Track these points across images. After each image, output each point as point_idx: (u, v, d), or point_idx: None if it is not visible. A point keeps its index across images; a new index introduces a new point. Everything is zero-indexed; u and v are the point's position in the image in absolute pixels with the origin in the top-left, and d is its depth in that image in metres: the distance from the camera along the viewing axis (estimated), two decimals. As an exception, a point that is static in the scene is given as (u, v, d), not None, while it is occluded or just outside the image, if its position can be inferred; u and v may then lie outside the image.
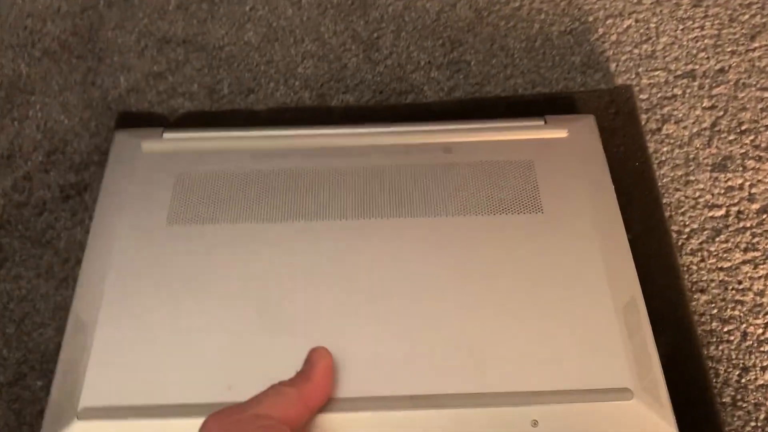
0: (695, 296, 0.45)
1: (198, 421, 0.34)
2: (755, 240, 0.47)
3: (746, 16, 0.55)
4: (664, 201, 0.48)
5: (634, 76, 0.53)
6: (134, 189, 0.45)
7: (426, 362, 0.38)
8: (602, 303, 0.40)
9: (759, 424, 0.42)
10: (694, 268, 0.46)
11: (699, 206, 0.48)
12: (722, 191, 0.48)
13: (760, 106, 0.51)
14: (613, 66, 0.53)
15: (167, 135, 0.47)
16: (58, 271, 0.47)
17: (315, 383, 0.36)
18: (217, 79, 0.54)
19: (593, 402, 0.37)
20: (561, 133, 0.46)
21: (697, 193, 0.48)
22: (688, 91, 0.52)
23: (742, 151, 0.50)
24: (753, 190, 0.48)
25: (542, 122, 0.47)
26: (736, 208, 0.48)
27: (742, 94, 0.52)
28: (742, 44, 0.54)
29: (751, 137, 0.50)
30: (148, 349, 0.39)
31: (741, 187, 0.48)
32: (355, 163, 0.46)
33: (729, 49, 0.54)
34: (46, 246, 0.48)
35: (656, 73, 0.53)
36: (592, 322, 0.39)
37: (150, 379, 0.38)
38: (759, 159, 0.49)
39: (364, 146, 0.46)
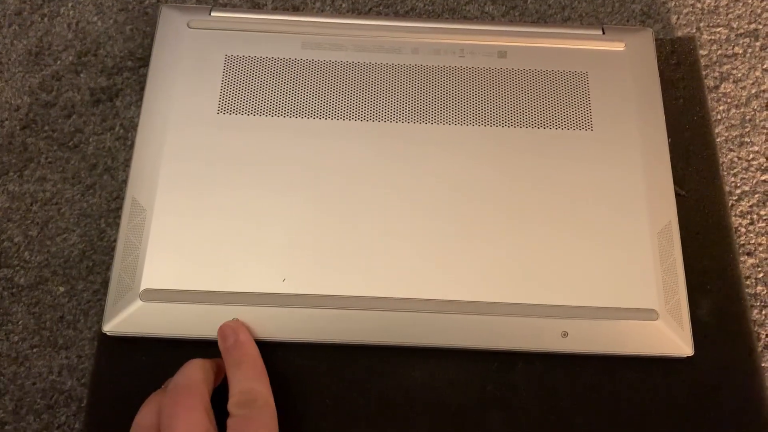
0: (742, 258, 0.44)
1: (254, 310, 0.38)
2: (807, 207, 0.45)
3: (814, -20, 0.53)
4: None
5: (694, 31, 0.51)
6: (183, 68, 0.44)
7: (463, 269, 0.39)
8: (639, 226, 0.40)
9: (797, 391, 0.41)
10: (743, 230, 0.45)
11: (752, 169, 0.47)
12: (777, 156, 0.47)
13: (821, 72, 0.50)
14: (674, 18, 0.51)
15: (215, 14, 0.45)
16: (85, 177, 0.45)
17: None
18: (261, -6, 0.51)
19: (620, 320, 0.39)
20: (618, 46, 0.45)
21: (751, 156, 0.47)
22: (749, 50, 0.50)
23: (801, 116, 0.48)
24: (808, 157, 0.47)
25: (600, 32, 0.46)
26: (789, 174, 0.46)
27: (805, 59, 0.50)
28: (808, 8, 0.52)
29: (811, 103, 0.48)
30: (203, 236, 0.39)
31: (796, 153, 0.47)
32: (407, 60, 0.44)
33: (794, 12, 0.52)
34: (73, 150, 0.45)
35: (718, 29, 0.51)
36: (627, 243, 0.40)
37: (206, 265, 0.39)
38: (817, 126, 0.48)
39: (418, 43, 0.45)
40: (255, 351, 0.37)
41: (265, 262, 0.39)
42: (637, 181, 0.41)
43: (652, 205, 0.41)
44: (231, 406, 0.34)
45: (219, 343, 0.37)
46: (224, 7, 0.50)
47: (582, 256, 0.40)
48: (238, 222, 0.40)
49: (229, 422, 0.33)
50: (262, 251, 0.39)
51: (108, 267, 0.42)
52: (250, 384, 0.35)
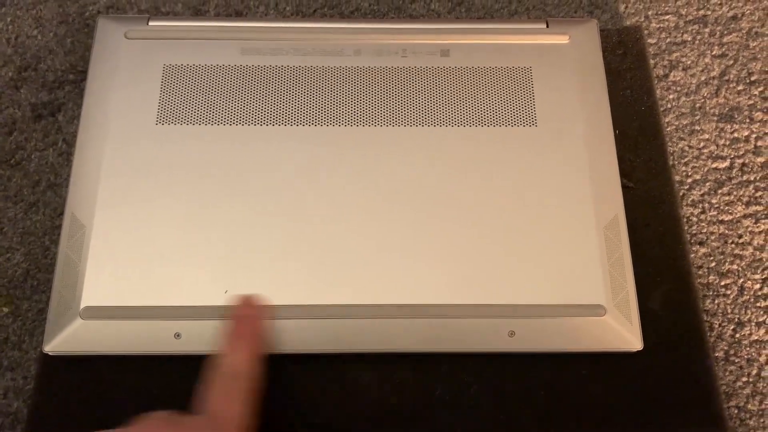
0: (694, 248, 0.44)
1: (196, 323, 0.38)
2: (758, 194, 0.45)
3: (763, -37, 0.53)
4: (668, 149, 0.46)
5: (643, 19, 0.50)
6: (120, 79, 0.43)
7: (408, 272, 0.39)
8: (585, 221, 0.40)
9: (750, 380, 0.41)
10: (695, 219, 0.45)
11: (703, 157, 0.46)
12: (727, 143, 0.47)
13: (771, 56, 0.49)
14: (621, 7, 0.51)
15: (153, 23, 0.45)
16: (28, 195, 0.44)
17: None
18: (203, 0, 0.50)
19: (568, 317, 0.38)
20: (562, 39, 0.45)
21: (702, 144, 0.47)
22: (698, 37, 0.50)
23: (751, 102, 0.48)
24: (759, 143, 0.47)
25: (544, 25, 0.45)
26: (740, 161, 0.46)
27: (754, 44, 0.49)
28: (757, -9, 0.51)
29: (761, 88, 0.48)
30: (144, 250, 0.39)
31: (747, 140, 0.47)
32: (349, 62, 0.44)
33: (743, -4, 0.51)
34: (15, 167, 0.45)
35: (666, 17, 0.50)
36: (573, 239, 0.40)
37: (147, 280, 0.38)
38: (767, 111, 0.47)
39: (360, 44, 0.44)
40: (259, 330, 0.37)
41: (207, 274, 0.38)
42: (582, 175, 0.41)
43: (598, 199, 0.41)
44: (217, 373, 0.34)
45: (232, 310, 0.37)
46: (165, 15, 0.49)
47: (528, 253, 0.39)
48: (178, 234, 0.39)
49: (211, 388, 0.34)
50: (203, 263, 0.39)
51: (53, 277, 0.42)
52: (243, 357, 0.35)
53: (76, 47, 0.48)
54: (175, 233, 0.39)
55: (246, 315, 0.37)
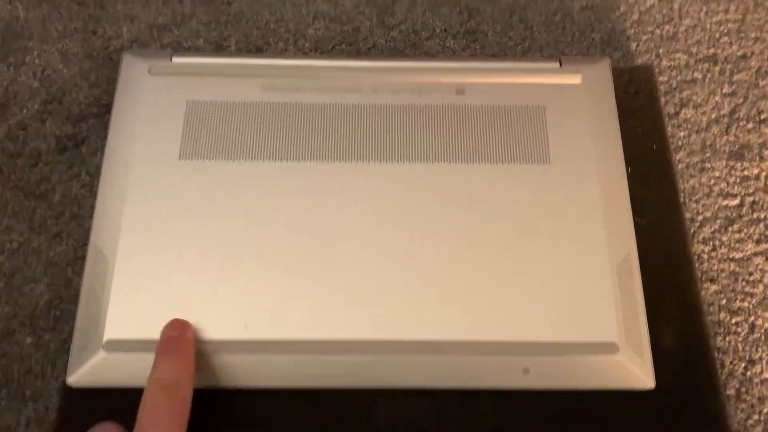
0: (705, 285, 0.44)
1: (216, 357, 0.38)
2: (768, 232, 0.46)
3: (772, 2, 0.54)
4: (679, 187, 0.47)
5: (654, 57, 0.51)
6: (144, 115, 0.44)
7: (421, 308, 0.39)
8: (598, 259, 0.41)
9: (762, 418, 0.41)
10: (705, 257, 0.45)
11: (713, 194, 0.47)
12: (738, 180, 0.47)
13: (780, 95, 0.50)
14: (633, 45, 0.52)
15: (176, 59, 0.46)
16: (52, 225, 0.45)
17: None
18: (225, 36, 0.51)
19: (581, 354, 0.39)
20: (575, 78, 0.46)
21: (712, 181, 0.47)
22: (709, 75, 0.51)
23: (761, 140, 0.48)
24: (769, 181, 0.47)
25: (557, 64, 0.46)
26: (751, 198, 0.47)
27: (764, 82, 0.50)
28: (766, 31, 0.52)
29: (770, 127, 0.49)
30: (166, 283, 0.39)
31: (757, 177, 0.47)
32: (367, 100, 0.45)
33: (753, 35, 0.52)
34: (40, 198, 0.46)
35: (677, 55, 0.51)
36: (586, 276, 0.40)
37: (169, 313, 0.39)
38: (777, 149, 0.48)
39: (377, 82, 0.45)
40: (192, 350, 0.37)
41: (228, 309, 0.39)
42: (595, 213, 0.42)
43: (611, 237, 0.41)
44: (148, 389, 0.34)
45: (162, 331, 0.38)
46: (187, 50, 0.51)
47: (541, 291, 0.40)
48: (200, 268, 0.40)
49: (142, 405, 0.34)
50: (224, 297, 0.40)
51: (75, 316, 0.43)
52: (175, 373, 0.36)
53: (100, 81, 0.50)
54: (197, 267, 0.40)
55: (173, 335, 0.38)
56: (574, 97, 0.45)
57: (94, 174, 0.47)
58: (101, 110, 0.49)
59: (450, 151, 0.43)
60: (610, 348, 0.39)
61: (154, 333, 0.38)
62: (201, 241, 0.41)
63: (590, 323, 0.39)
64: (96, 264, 0.40)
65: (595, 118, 0.45)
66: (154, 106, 0.44)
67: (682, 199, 0.46)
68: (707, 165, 0.48)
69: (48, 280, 0.44)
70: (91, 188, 0.46)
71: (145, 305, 0.39)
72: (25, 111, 0.48)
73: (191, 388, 0.36)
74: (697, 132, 0.49)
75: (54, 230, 0.45)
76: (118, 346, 0.38)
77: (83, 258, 0.44)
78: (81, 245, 0.45)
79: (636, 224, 0.42)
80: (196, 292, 0.40)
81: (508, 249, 0.41)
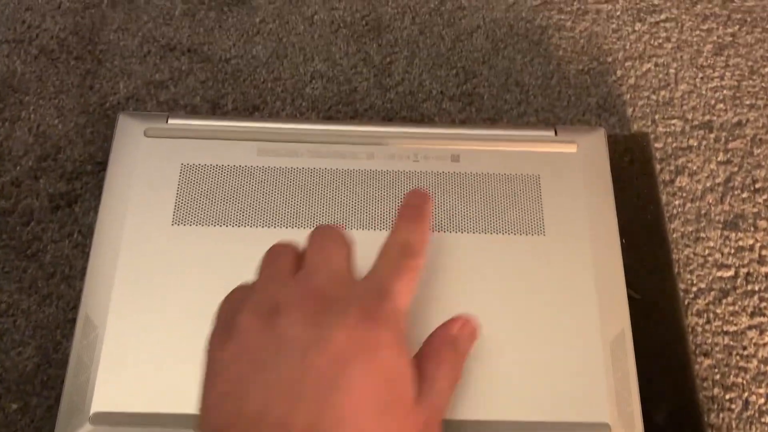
0: (699, 360, 0.44)
1: None
2: (762, 305, 0.46)
3: (767, 69, 0.54)
4: (673, 257, 0.47)
5: (650, 123, 0.51)
6: (138, 178, 0.44)
7: None
8: (591, 335, 0.40)
9: (755, 499, 0.41)
10: (699, 329, 0.45)
11: (708, 265, 0.47)
12: (732, 251, 0.47)
13: (775, 164, 0.50)
14: (629, 111, 0.52)
15: (173, 121, 0.46)
16: (42, 287, 0.45)
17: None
18: (222, 93, 0.51)
19: None
20: (570, 148, 0.46)
21: (707, 251, 0.47)
22: (704, 143, 0.51)
23: (755, 210, 0.48)
24: (764, 252, 0.47)
25: (552, 133, 0.46)
26: (745, 270, 0.47)
27: (758, 151, 0.51)
28: (761, 98, 0.53)
29: (765, 196, 0.49)
30: (158, 355, 0.39)
31: (752, 248, 0.47)
32: (363, 165, 0.45)
33: (748, 103, 0.52)
34: (30, 258, 0.46)
35: (673, 121, 0.52)
36: (579, 354, 0.40)
37: (161, 385, 0.38)
38: (771, 220, 0.48)
39: (373, 148, 0.45)
40: (429, 222, 0.37)
41: None
42: (588, 287, 0.42)
43: (604, 313, 0.41)
44: (389, 245, 0.34)
45: (407, 196, 0.37)
46: (185, 108, 0.51)
47: (532, 368, 0.39)
48: (192, 339, 0.39)
49: (380, 260, 0.33)
50: None
51: (63, 381, 0.42)
52: (412, 239, 0.34)
53: (95, 137, 0.50)
54: (190, 338, 0.39)
55: (421, 203, 0.37)
56: (569, 166, 0.45)
57: (87, 234, 0.46)
58: (96, 168, 0.49)
59: (443, 220, 0.43)
60: (602, 429, 0.38)
61: (143, 406, 0.38)
62: (194, 312, 0.40)
63: (583, 403, 0.39)
64: (85, 332, 0.40)
65: (590, 188, 0.45)
66: (148, 169, 0.44)
67: (676, 270, 0.46)
68: (702, 235, 0.48)
69: (36, 343, 0.43)
70: (83, 249, 0.46)
71: (134, 377, 0.39)
72: (18, 167, 0.48)
73: (424, 256, 0.34)
74: (692, 201, 0.49)
75: (44, 291, 0.45)
76: (105, 419, 0.38)
77: (73, 320, 0.44)
78: (71, 308, 0.44)
79: (630, 298, 0.42)
80: (188, 363, 0.39)
81: (499, 323, 0.40)
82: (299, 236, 0.42)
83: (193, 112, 0.51)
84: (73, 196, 0.48)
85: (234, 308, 0.32)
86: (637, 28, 0.55)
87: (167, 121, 0.46)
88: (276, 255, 0.35)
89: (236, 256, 0.42)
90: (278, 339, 0.29)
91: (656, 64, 0.54)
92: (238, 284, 0.35)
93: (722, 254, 0.47)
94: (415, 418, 0.30)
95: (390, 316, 0.31)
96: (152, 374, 0.39)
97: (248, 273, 0.41)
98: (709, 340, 0.45)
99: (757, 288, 0.46)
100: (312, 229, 0.38)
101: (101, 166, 0.48)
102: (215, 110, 0.51)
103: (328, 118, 0.51)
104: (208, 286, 0.41)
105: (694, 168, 0.50)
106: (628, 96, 0.52)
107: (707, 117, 0.52)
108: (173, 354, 0.39)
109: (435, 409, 0.32)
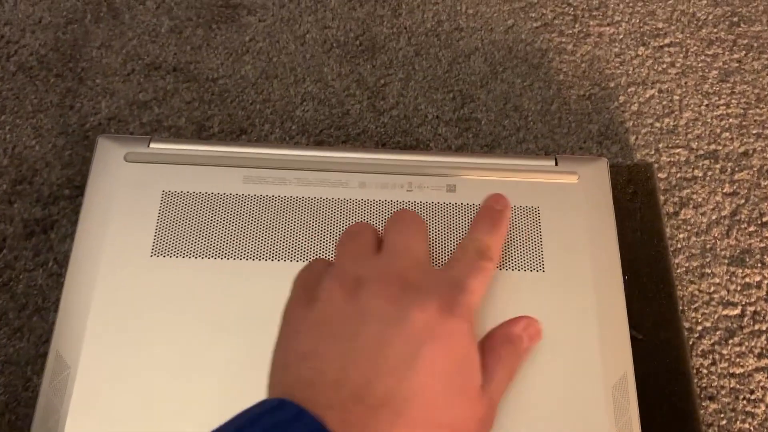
0: (704, 404, 0.42)
1: None
2: (770, 346, 0.44)
3: (774, 97, 0.52)
4: (678, 294, 0.45)
5: (653, 152, 0.49)
6: (117, 206, 0.41)
7: None
8: (593, 380, 0.38)
9: None
10: (705, 371, 0.43)
11: (713, 303, 0.45)
12: (738, 288, 0.45)
13: (783, 196, 0.49)
14: (632, 139, 0.50)
15: (154, 145, 0.44)
16: (13, 319, 0.42)
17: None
18: (208, 115, 0.49)
19: None
20: (571, 178, 0.44)
21: (712, 288, 0.45)
22: (710, 173, 0.49)
23: (762, 245, 0.47)
24: (771, 290, 0.45)
25: (553, 162, 0.44)
26: (752, 308, 0.45)
27: (766, 182, 0.49)
28: (769, 127, 0.51)
29: (773, 231, 0.47)
30: (132, 396, 0.37)
31: (759, 285, 0.45)
32: (354, 195, 0.43)
33: (755, 132, 0.50)
34: (1, 288, 0.43)
35: (677, 150, 0.50)
36: (580, 400, 0.38)
37: (134, 422, 0.36)
38: (779, 256, 0.46)
39: (365, 177, 0.43)
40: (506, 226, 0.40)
41: (200, 419, 0.36)
42: (590, 328, 0.40)
43: (606, 355, 0.39)
44: (467, 244, 0.37)
45: (486, 200, 0.40)
46: (168, 130, 0.48)
47: (531, 415, 0.37)
48: (169, 381, 0.37)
49: (457, 254, 0.36)
50: (194, 414, 0.37)
51: (32, 421, 0.40)
52: (490, 241, 0.37)
53: (74, 160, 0.47)
54: (166, 380, 0.37)
55: (501, 209, 0.39)
56: (569, 198, 0.43)
57: (63, 263, 0.44)
58: (74, 192, 0.46)
59: (437, 253, 0.41)
60: None
61: None
62: (174, 352, 0.38)
63: None
64: (55, 371, 0.37)
65: (592, 221, 0.43)
66: (127, 196, 0.42)
67: (680, 307, 0.44)
68: (707, 270, 0.46)
69: (4, 380, 0.41)
70: (58, 278, 0.44)
71: (106, 421, 0.36)
72: (-8, 191, 0.46)
73: (499, 259, 0.38)
74: (697, 234, 0.47)
75: (15, 324, 0.42)
76: None
77: (44, 356, 0.41)
78: (43, 342, 0.42)
79: (632, 338, 0.40)
80: (163, 407, 0.37)
81: None
82: (287, 270, 0.40)
83: (178, 133, 0.48)
84: (49, 222, 0.45)
85: (316, 278, 0.35)
86: (640, 53, 0.53)
87: (149, 145, 0.44)
88: (356, 233, 0.37)
89: (219, 291, 0.39)
90: (360, 310, 0.31)
91: (660, 90, 0.52)
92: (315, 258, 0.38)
93: (728, 291, 0.45)
94: (479, 406, 0.32)
95: (465, 309, 0.33)
96: (127, 420, 0.36)
97: (232, 308, 0.39)
98: (715, 383, 0.43)
99: (764, 328, 0.44)
100: (303, 262, 0.38)
101: (79, 191, 0.46)
102: (201, 132, 0.49)
103: (319, 142, 0.49)
104: (190, 323, 0.39)
105: (699, 200, 0.48)
106: (631, 123, 0.50)
107: (713, 146, 0.50)
108: (147, 397, 0.37)
109: (492, 403, 0.34)
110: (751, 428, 0.41)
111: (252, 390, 0.37)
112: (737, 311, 0.45)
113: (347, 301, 0.32)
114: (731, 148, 0.50)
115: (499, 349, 0.35)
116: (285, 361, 0.32)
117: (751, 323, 0.44)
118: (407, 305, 0.31)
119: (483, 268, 0.36)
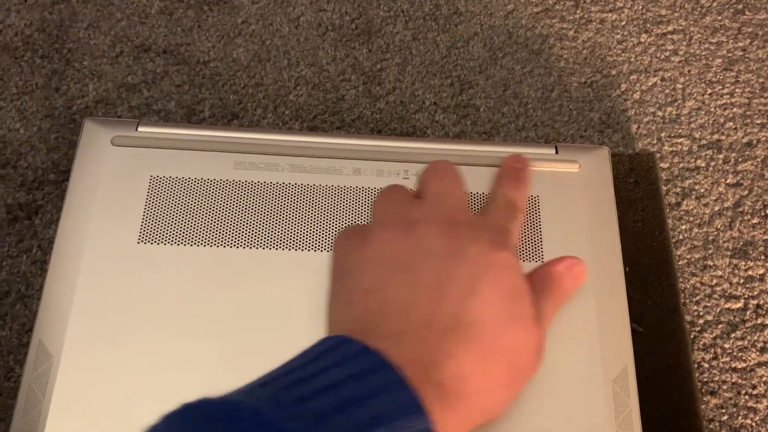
0: (705, 399, 0.41)
1: None
2: (773, 340, 0.43)
3: (779, 87, 0.51)
4: (679, 286, 0.44)
5: (655, 141, 0.48)
6: (103, 191, 0.40)
7: None
8: (593, 373, 0.37)
9: None
10: (706, 366, 0.42)
11: (715, 296, 0.44)
12: (741, 281, 0.44)
13: (787, 188, 0.47)
14: (634, 127, 0.49)
15: (143, 128, 0.42)
16: (-5, 307, 0.41)
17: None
18: (199, 99, 0.48)
19: None
20: (572, 167, 0.42)
21: (714, 281, 0.44)
22: (713, 164, 0.48)
23: (766, 237, 0.46)
24: (774, 283, 0.44)
25: (553, 151, 0.43)
26: (755, 302, 0.44)
27: (770, 173, 0.48)
28: (773, 117, 0.50)
29: (776, 223, 0.46)
30: (116, 387, 0.36)
31: (762, 278, 0.44)
32: (349, 182, 0.41)
33: (759, 122, 0.49)
34: (-17, 275, 0.42)
35: (680, 140, 0.48)
36: (580, 393, 0.37)
37: (118, 421, 0.35)
38: (783, 248, 0.45)
39: (360, 163, 0.42)
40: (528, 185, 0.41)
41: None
42: (590, 321, 0.38)
43: (606, 348, 0.38)
44: (495, 198, 0.39)
45: (506, 160, 0.41)
46: (158, 114, 0.47)
47: (531, 409, 0.36)
48: (154, 372, 0.36)
49: (488, 207, 0.39)
50: (179, 402, 0.35)
51: (13, 412, 0.39)
52: (515, 197, 0.39)
53: (60, 144, 0.46)
54: (152, 370, 0.36)
55: (521, 167, 0.40)
56: (570, 187, 0.42)
57: (47, 249, 0.43)
58: (60, 177, 0.45)
59: None
60: None
61: None
62: (161, 342, 0.37)
63: None
64: (38, 360, 0.36)
65: (593, 211, 0.41)
66: (114, 181, 0.41)
67: (682, 300, 0.43)
68: (709, 263, 0.45)
69: (-14, 369, 0.40)
70: (42, 265, 0.42)
71: (89, 411, 0.35)
72: (-26, 175, 0.44)
73: (525, 210, 0.39)
74: (700, 226, 0.46)
75: (-3, 312, 0.41)
76: None
77: (28, 345, 0.40)
78: (26, 330, 0.41)
79: (633, 331, 0.39)
80: (147, 397, 0.35)
81: None
82: (278, 258, 0.39)
83: (167, 117, 0.47)
84: (33, 207, 0.44)
85: (361, 227, 0.38)
86: (643, 40, 0.52)
87: (137, 129, 0.42)
88: (391, 189, 0.39)
89: (208, 280, 0.38)
90: (419, 246, 0.34)
91: (663, 79, 0.50)
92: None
93: (730, 284, 0.44)
94: (534, 336, 0.34)
95: (511, 246, 0.36)
96: (111, 411, 0.35)
97: (222, 297, 0.38)
98: (717, 378, 0.42)
99: (767, 321, 0.43)
100: (296, 251, 0.39)
101: (65, 175, 0.45)
102: (191, 116, 0.47)
103: (313, 128, 0.47)
104: (177, 312, 0.37)
105: (702, 191, 0.47)
106: (633, 112, 0.49)
107: (716, 136, 0.49)
108: (131, 388, 0.35)
109: (543, 336, 0.35)
110: (753, 424, 0.41)
111: (240, 380, 0.36)
112: (740, 304, 0.44)
113: (403, 240, 0.34)
114: (735, 138, 0.49)
115: (543, 286, 0.36)
116: (349, 297, 0.34)
117: (754, 317, 0.43)
118: (462, 241, 0.34)
119: (515, 217, 0.38)
